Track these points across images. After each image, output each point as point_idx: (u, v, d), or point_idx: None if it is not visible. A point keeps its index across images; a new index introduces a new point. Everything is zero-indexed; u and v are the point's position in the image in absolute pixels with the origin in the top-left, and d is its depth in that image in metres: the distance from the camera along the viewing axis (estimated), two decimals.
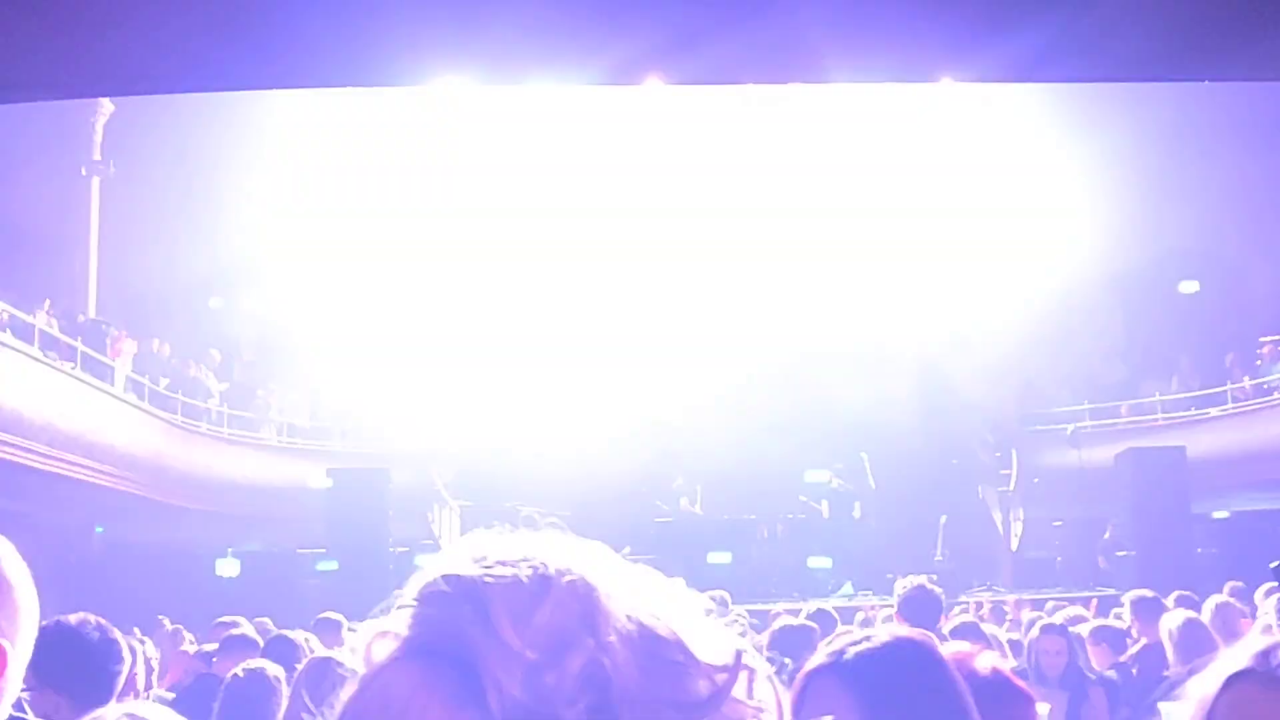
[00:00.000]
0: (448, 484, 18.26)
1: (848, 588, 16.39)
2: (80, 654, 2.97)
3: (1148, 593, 7.49)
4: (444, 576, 0.73)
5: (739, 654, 0.75)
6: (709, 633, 0.76)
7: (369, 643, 0.74)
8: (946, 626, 6.11)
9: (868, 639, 1.90)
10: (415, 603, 0.74)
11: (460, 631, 0.70)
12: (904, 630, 2.41)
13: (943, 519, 16.77)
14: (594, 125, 20.28)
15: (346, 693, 0.74)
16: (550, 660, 0.69)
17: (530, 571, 0.73)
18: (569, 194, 20.52)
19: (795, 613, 8.61)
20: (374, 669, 0.73)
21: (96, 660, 3.00)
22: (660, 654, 0.72)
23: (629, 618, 0.72)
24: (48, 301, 16.31)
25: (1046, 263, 20.75)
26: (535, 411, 20.56)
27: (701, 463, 18.40)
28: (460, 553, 0.75)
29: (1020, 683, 2.39)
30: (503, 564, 0.73)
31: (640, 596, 0.75)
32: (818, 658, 1.88)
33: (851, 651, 1.84)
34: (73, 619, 3.05)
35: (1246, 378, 19.53)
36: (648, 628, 0.73)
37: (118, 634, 3.13)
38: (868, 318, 21.31)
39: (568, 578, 0.73)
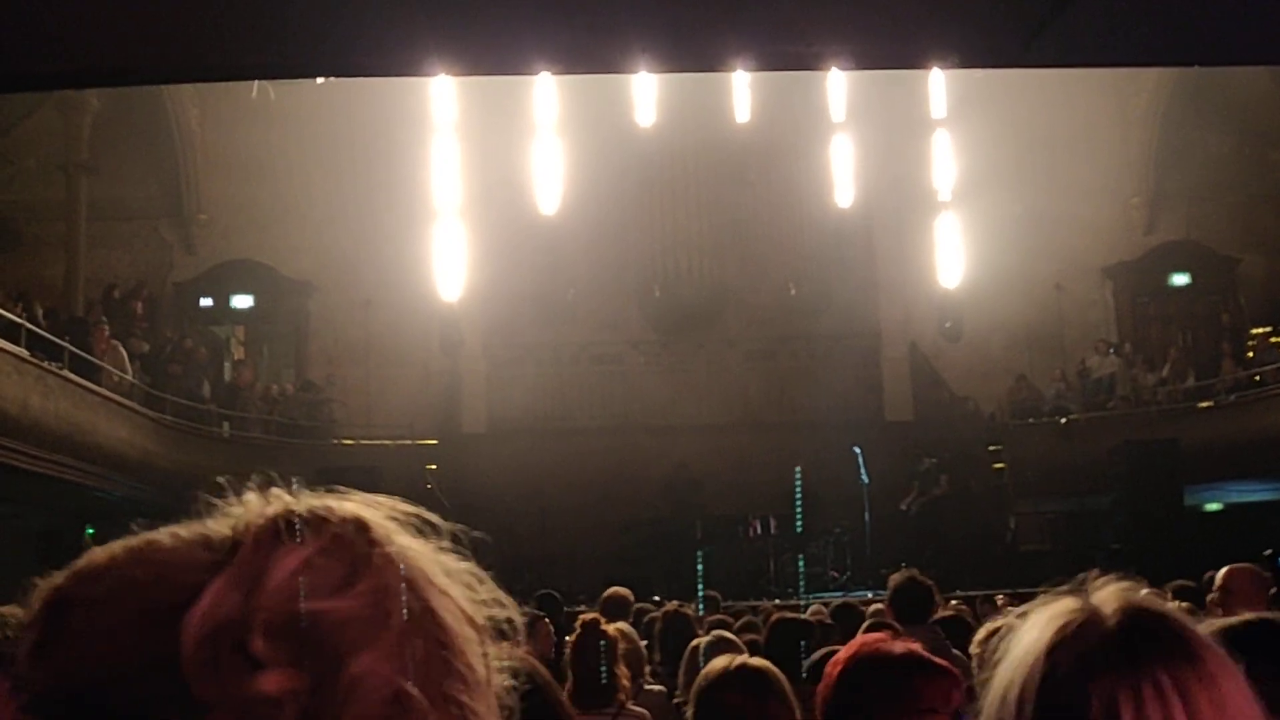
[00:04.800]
0: (437, 480, 18.19)
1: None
2: None
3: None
4: None
5: None
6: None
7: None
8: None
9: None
10: None
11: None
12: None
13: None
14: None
15: None
16: None
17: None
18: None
19: (791, 609, 8.56)
20: None
21: None
22: None
23: None
24: (35, 301, 16.21)
25: (1040, 253, 20.74)
26: (528, 406, 20.54)
27: (691, 457, 18.37)
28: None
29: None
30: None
31: None
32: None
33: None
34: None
35: (1239, 369, 19.55)
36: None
37: None
38: (861, 309, 21.32)
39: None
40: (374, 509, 0.79)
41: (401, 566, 0.75)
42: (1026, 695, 1.10)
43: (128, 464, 16.30)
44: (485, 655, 0.78)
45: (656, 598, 11.72)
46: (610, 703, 4.94)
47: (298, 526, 0.75)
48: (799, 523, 16.46)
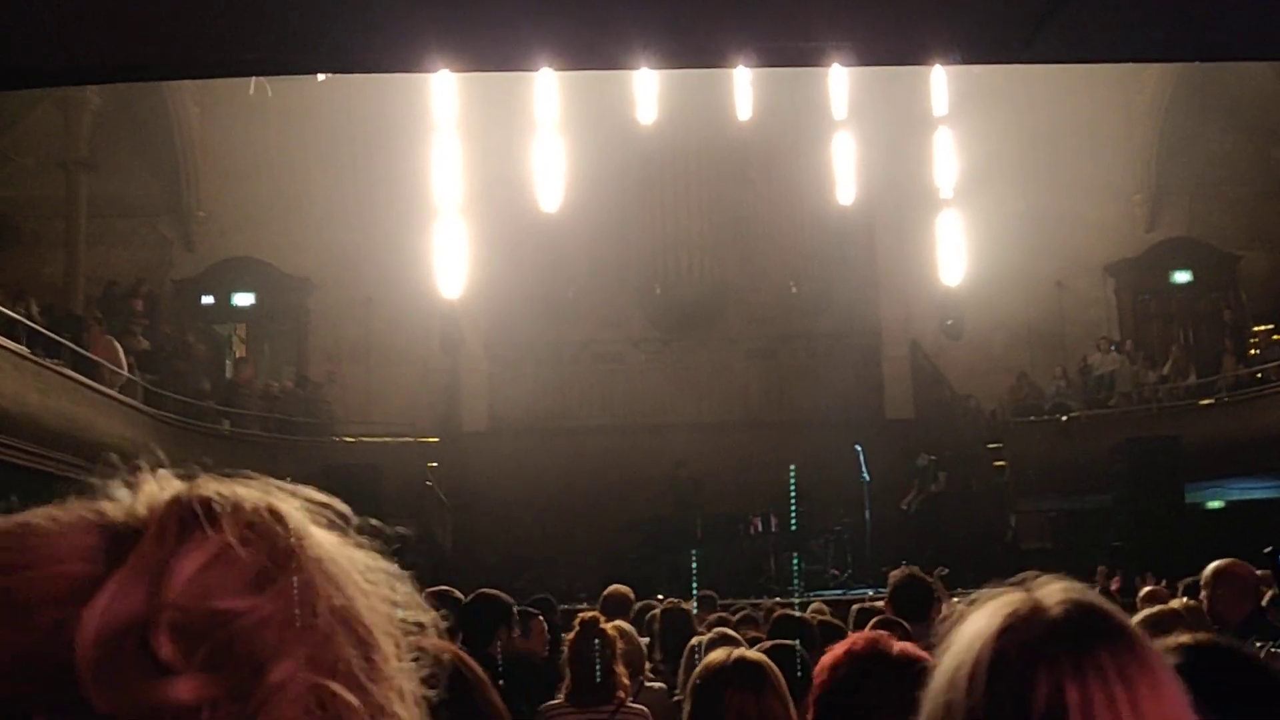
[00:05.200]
0: (438, 480, 18.21)
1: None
2: None
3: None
4: None
5: None
6: None
7: None
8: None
9: None
10: None
11: None
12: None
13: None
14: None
15: None
16: None
17: None
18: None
19: (791, 607, 8.56)
20: None
21: None
22: None
23: None
24: (32, 298, 16.20)
25: (1041, 251, 20.73)
26: (529, 404, 20.53)
27: (691, 455, 18.35)
28: None
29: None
30: None
31: None
32: None
33: None
34: None
35: (1241, 366, 19.54)
36: None
37: None
38: (863, 307, 21.31)
39: None
40: (283, 497, 0.73)
41: (322, 561, 0.70)
42: (975, 677, 1.14)
43: (128, 461, 16.28)
44: (403, 655, 0.73)
45: (661, 596, 11.72)
46: (609, 700, 4.94)
47: (207, 514, 0.68)
48: (793, 521, 16.46)
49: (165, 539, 0.67)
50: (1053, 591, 1.19)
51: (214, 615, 0.64)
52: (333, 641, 0.68)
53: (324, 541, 0.72)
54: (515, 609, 5.94)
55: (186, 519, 0.68)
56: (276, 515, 0.70)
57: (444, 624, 0.78)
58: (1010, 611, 1.17)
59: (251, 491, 0.71)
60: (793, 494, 16.74)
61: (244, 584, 0.66)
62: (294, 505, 0.72)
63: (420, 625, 0.75)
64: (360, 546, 0.75)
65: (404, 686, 0.72)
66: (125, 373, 16.72)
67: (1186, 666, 1.53)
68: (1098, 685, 1.09)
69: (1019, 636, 1.14)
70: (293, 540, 0.69)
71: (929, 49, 3.21)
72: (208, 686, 0.63)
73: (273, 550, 0.68)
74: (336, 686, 0.66)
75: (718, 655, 3.06)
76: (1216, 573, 5.70)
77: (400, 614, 0.74)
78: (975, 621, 1.18)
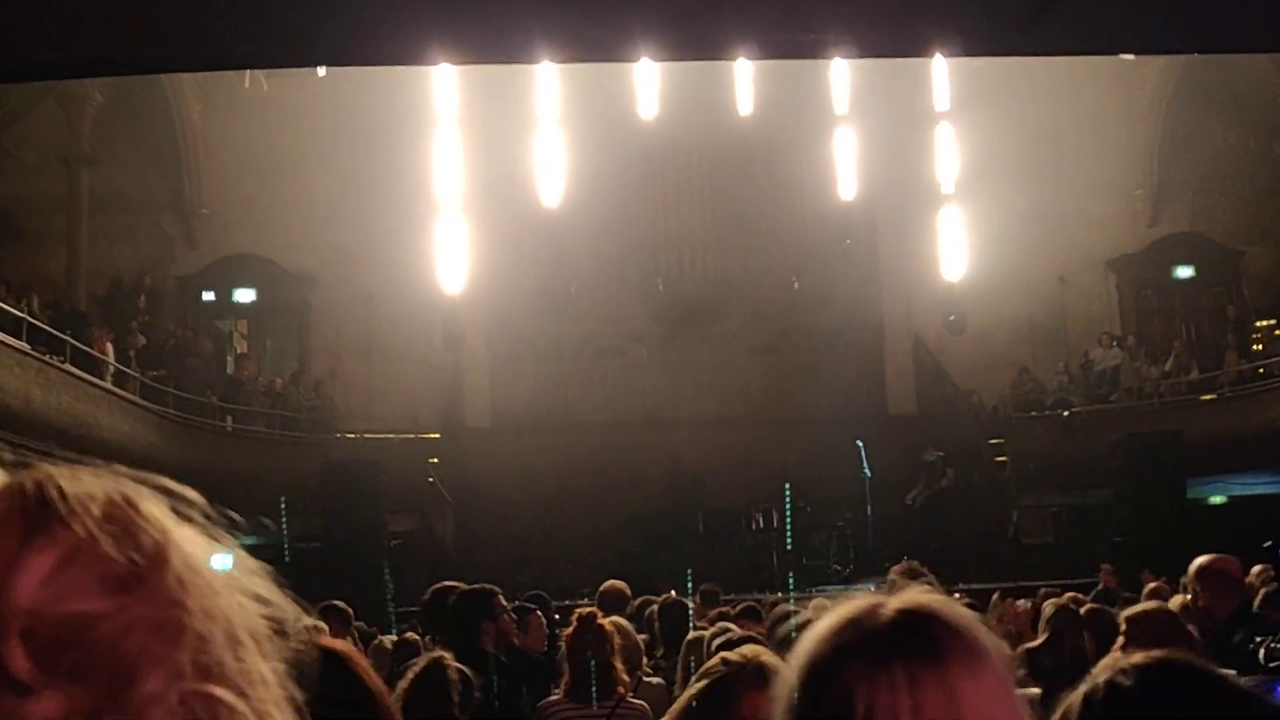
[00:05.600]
0: (440, 476, 18.21)
1: None
2: None
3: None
4: None
5: None
6: None
7: None
8: None
9: None
10: None
11: None
12: None
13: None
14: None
15: None
16: None
17: None
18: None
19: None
20: None
21: None
22: None
23: None
24: (33, 295, 16.20)
25: (1043, 246, 20.70)
26: (531, 400, 20.53)
27: (693, 451, 18.34)
28: None
29: None
30: None
31: None
32: None
33: None
34: None
35: (1243, 362, 19.52)
36: None
37: None
38: (864, 303, 21.30)
39: None
40: (135, 487, 0.65)
41: (188, 557, 0.63)
42: (797, 680, 1.17)
43: (130, 458, 16.25)
44: (270, 654, 0.67)
45: (674, 591, 11.70)
46: (609, 696, 4.94)
47: (56, 507, 0.59)
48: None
49: (6, 536, 0.58)
50: (898, 599, 1.19)
51: (74, 620, 0.56)
52: (209, 644, 0.61)
53: (186, 536, 0.65)
54: (497, 597, 5.89)
55: (31, 512, 0.59)
56: (134, 507, 0.63)
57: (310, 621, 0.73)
58: (843, 617, 1.18)
59: (102, 481, 0.63)
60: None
61: (106, 584, 0.58)
62: (148, 495, 0.65)
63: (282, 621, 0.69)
64: (216, 539, 0.69)
65: (276, 688, 0.66)
66: (137, 373, 16.75)
67: (1141, 687, 1.54)
68: (885, 694, 1.09)
69: (833, 643, 1.16)
70: (156, 535, 0.62)
71: (929, 40, 3.20)
72: (73, 700, 0.55)
73: (136, 546, 0.60)
74: (220, 691, 0.60)
75: (739, 654, 3.01)
76: (1200, 570, 5.64)
77: (263, 610, 0.68)
78: (818, 625, 1.20)
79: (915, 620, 1.15)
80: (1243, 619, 5.44)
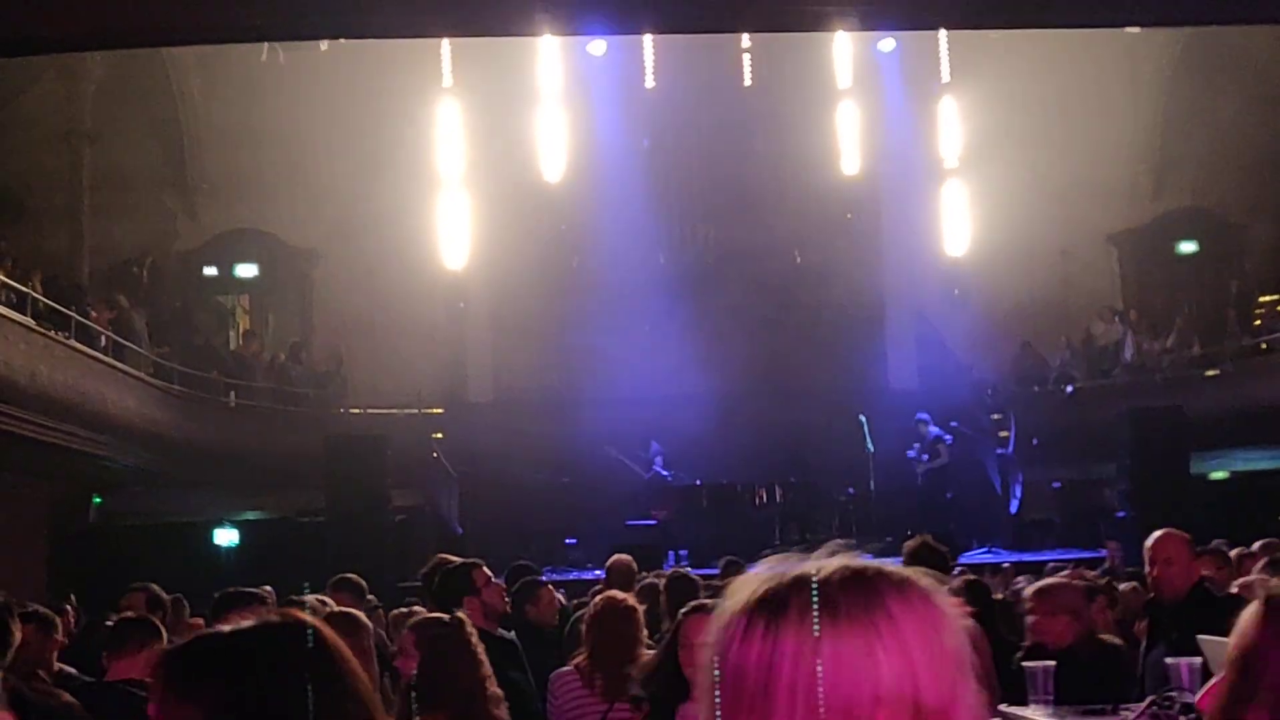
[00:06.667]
0: (444, 451, 18.23)
1: None
2: None
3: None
4: None
5: None
6: None
7: None
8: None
9: None
10: None
11: None
12: None
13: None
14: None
15: None
16: None
17: None
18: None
19: None
20: None
21: None
22: None
23: None
24: (34, 272, 16.19)
25: (1046, 220, 20.64)
26: (534, 375, 20.53)
27: (693, 426, 18.35)
28: None
29: None
30: None
31: None
32: None
33: None
34: None
35: (1246, 336, 19.50)
36: None
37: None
38: (867, 277, 21.26)
39: None
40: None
41: None
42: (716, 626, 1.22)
43: (135, 433, 16.34)
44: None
45: (686, 563, 11.74)
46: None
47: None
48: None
49: None
50: (814, 563, 1.22)
51: None
52: None
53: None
54: (479, 569, 5.90)
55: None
56: None
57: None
58: (768, 575, 1.22)
59: None
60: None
61: None
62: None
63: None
64: None
65: None
66: (142, 348, 16.77)
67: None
68: (757, 652, 1.14)
69: (744, 597, 1.20)
70: None
71: (933, 13, 3.18)
72: None
73: None
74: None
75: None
76: (1153, 545, 5.60)
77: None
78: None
79: (794, 586, 1.18)
80: (1197, 595, 5.47)
